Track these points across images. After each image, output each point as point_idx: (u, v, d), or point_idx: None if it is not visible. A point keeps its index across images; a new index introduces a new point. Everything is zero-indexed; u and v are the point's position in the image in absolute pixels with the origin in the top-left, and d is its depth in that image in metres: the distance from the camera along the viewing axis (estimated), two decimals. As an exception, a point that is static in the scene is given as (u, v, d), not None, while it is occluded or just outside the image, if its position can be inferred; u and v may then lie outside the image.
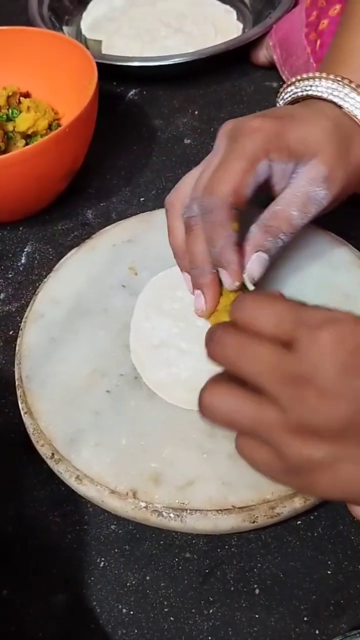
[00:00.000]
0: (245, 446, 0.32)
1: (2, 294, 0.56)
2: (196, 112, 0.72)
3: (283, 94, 0.50)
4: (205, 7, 0.85)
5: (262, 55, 0.74)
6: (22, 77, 0.67)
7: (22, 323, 0.49)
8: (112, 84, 0.75)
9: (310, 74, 0.47)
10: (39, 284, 0.53)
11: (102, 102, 0.60)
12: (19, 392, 0.46)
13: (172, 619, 0.39)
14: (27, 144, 0.63)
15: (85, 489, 0.41)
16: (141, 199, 0.63)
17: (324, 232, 0.52)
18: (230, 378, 0.32)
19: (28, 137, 0.64)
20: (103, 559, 0.41)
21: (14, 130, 0.63)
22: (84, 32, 0.84)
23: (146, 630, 0.38)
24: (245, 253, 0.42)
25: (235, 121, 0.44)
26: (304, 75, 0.47)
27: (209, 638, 0.38)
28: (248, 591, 0.39)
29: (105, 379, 0.45)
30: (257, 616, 0.39)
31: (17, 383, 0.46)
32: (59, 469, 0.42)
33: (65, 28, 0.83)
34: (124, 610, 0.39)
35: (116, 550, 0.41)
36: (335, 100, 0.45)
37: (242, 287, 0.43)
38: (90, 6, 0.87)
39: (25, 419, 0.44)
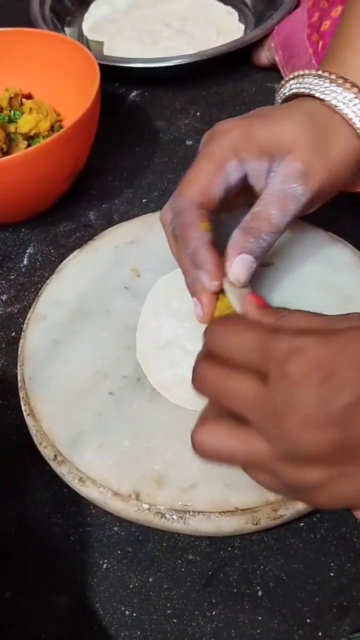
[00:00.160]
0: (247, 469, 0.34)
1: (4, 295, 0.56)
2: (198, 114, 0.72)
3: (278, 94, 0.50)
4: (207, 9, 0.85)
5: (264, 56, 0.74)
6: (24, 79, 0.67)
7: (25, 325, 0.49)
8: (114, 85, 0.75)
9: (299, 72, 0.46)
10: (41, 286, 0.53)
11: (103, 104, 0.60)
12: (21, 394, 0.46)
13: (175, 620, 0.39)
14: (29, 145, 0.63)
15: (88, 491, 0.41)
16: (143, 201, 0.63)
17: (325, 233, 0.52)
18: (219, 410, 0.33)
19: (30, 139, 0.64)
20: (106, 560, 0.41)
21: (16, 131, 0.64)
22: (85, 33, 0.84)
23: (149, 632, 0.38)
24: (228, 256, 0.42)
25: (214, 126, 0.45)
26: (295, 74, 0.47)
27: (212, 640, 0.38)
28: (251, 593, 0.39)
29: (107, 381, 0.45)
30: (260, 618, 0.39)
31: (19, 384, 0.46)
32: (62, 470, 0.42)
33: (66, 29, 0.83)
34: (127, 612, 0.39)
35: (119, 552, 0.41)
36: (317, 94, 0.44)
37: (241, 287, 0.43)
38: (92, 7, 0.87)
39: (28, 420, 0.44)
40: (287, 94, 0.47)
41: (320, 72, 0.45)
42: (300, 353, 0.30)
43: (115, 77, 0.74)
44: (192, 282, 0.43)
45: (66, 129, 0.54)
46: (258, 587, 0.40)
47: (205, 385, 0.33)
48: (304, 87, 0.45)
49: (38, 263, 0.59)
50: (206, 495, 0.39)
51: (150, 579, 0.40)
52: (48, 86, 0.67)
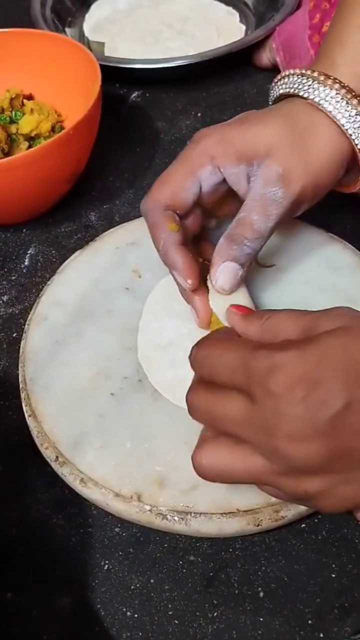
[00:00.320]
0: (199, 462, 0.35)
1: (5, 296, 0.56)
2: (199, 115, 0.72)
3: (270, 97, 0.50)
4: (207, 10, 0.85)
5: (265, 57, 0.74)
6: (25, 79, 0.67)
7: (26, 325, 0.50)
8: (115, 86, 0.75)
9: (285, 72, 0.46)
10: (43, 287, 0.53)
11: (104, 104, 0.60)
12: (23, 395, 0.46)
13: (176, 622, 0.39)
14: (30, 146, 0.63)
15: (90, 492, 0.41)
16: (144, 201, 0.63)
17: (326, 234, 0.52)
18: (217, 432, 0.34)
19: (31, 140, 0.64)
20: (107, 561, 0.41)
21: (17, 132, 0.64)
22: (86, 34, 0.84)
23: (150, 633, 0.38)
24: (213, 264, 0.42)
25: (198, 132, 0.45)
26: (282, 75, 0.46)
27: (213, 641, 0.38)
28: (252, 594, 0.39)
29: (109, 382, 0.45)
30: (261, 619, 0.39)
31: (21, 386, 0.46)
32: (63, 471, 0.42)
33: (67, 30, 0.83)
34: (128, 613, 0.39)
35: (120, 553, 0.41)
36: (301, 93, 0.43)
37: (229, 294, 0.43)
38: (92, 8, 0.87)
39: (29, 421, 0.44)
40: (275, 95, 0.47)
41: (303, 71, 0.44)
42: (279, 370, 0.30)
43: (116, 77, 0.74)
44: (181, 290, 0.44)
45: (68, 130, 0.54)
46: (259, 588, 0.40)
47: (198, 412, 0.35)
48: (289, 87, 0.45)
49: (39, 264, 0.59)
50: (208, 497, 0.39)
51: (152, 580, 0.40)
52: (49, 87, 0.67)
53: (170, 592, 0.40)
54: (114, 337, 0.47)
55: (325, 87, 0.43)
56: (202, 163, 0.43)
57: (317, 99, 0.43)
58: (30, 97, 0.68)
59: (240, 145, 0.42)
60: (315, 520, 0.42)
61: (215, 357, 0.34)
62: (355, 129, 0.42)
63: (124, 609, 0.39)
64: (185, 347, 0.45)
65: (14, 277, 0.58)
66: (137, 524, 0.41)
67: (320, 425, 0.30)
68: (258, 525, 0.39)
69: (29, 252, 0.60)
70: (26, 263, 0.59)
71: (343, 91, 0.42)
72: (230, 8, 0.85)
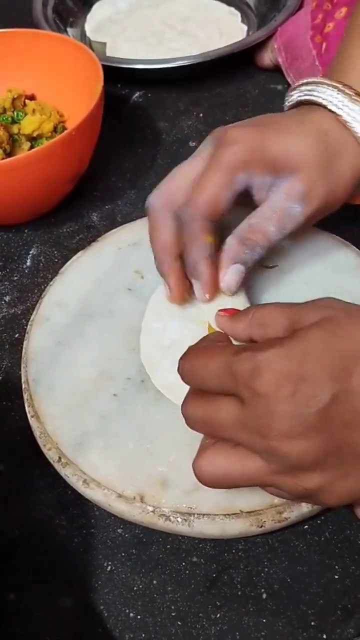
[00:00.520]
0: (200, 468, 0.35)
1: (7, 296, 0.56)
2: (201, 115, 0.72)
3: (288, 99, 0.50)
4: (209, 10, 0.85)
5: (267, 58, 0.74)
6: (27, 80, 0.67)
7: (28, 326, 0.49)
8: (117, 86, 0.75)
9: (313, 79, 0.46)
10: (45, 287, 0.53)
11: (106, 105, 0.60)
12: (25, 396, 0.46)
13: (179, 623, 0.39)
14: (32, 146, 0.63)
15: (92, 493, 0.41)
16: (146, 202, 0.63)
17: (330, 236, 0.52)
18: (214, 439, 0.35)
19: (33, 140, 0.64)
20: (110, 562, 0.41)
21: (19, 132, 0.64)
22: (88, 34, 0.84)
23: (153, 634, 0.38)
24: (222, 264, 0.43)
25: (221, 129, 0.44)
26: (308, 80, 0.46)
27: (216, 642, 0.38)
28: (255, 595, 0.39)
29: (111, 383, 0.45)
30: (264, 621, 0.39)
31: (23, 386, 0.46)
32: (66, 472, 0.42)
33: (69, 30, 0.83)
34: (131, 615, 0.39)
35: (123, 554, 0.41)
36: (331, 107, 0.44)
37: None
38: (94, 8, 0.87)
39: (32, 422, 0.44)
40: (298, 99, 0.47)
41: (335, 84, 0.44)
42: (264, 370, 0.31)
43: (118, 78, 0.74)
44: (161, 264, 0.45)
45: (70, 130, 0.54)
46: (262, 590, 0.40)
47: (194, 422, 0.35)
48: (316, 96, 0.45)
49: (41, 264, 0.59)
50: (211, 498, 0.39)
51: (155, 581, 0.40)
52: (51, 87, 0.67)
53: (173, 594, 0.40)
54: (116, 337, 0.47)
55: (356, 105, 0.43)
56: (238, 170, 0.42)
57: (348, 118, 0.43)
58: (32, 98, 0.68)
59: (274, 155, 0.42)
60: (318, 522, 0.42)
61: (200, 366, 0.34)
62: None
63: (127, 610, 0.39)
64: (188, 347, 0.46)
65: (16, 278, 0.58)
66: (140, 525, 0.41)
67: (311, 420, 0.30)
68: (261, 526, 0.39)
69: (31, 252, 0.60)
70: (28, 263, 0.59)
71: None
72: (232, 8, 0.85)
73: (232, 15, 0.84)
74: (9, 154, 0.62)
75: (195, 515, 0.39)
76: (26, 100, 0.66)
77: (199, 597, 0.40)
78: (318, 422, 0.30)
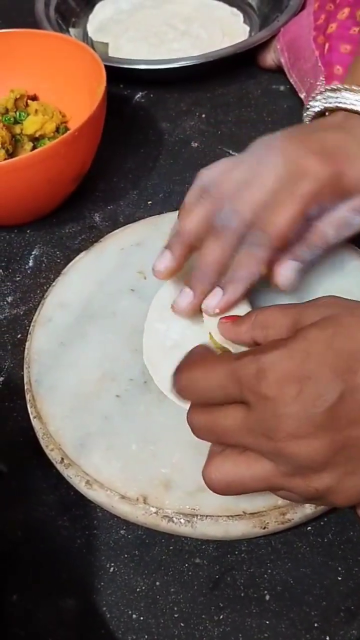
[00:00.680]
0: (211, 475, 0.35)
1: (10, 297, 0.56)
2: (203, 115, 0.72)
3: (311, 107, 0.50)
4: (212, 10, 0.85)
5: (270, 58, 0.73)
6: (29, 80, 0.67)
7: (31, 327, 0.49)
8: (119, 86, 0.75)
9: (333, 85, 0.47)
10: (47, 287, 0.53)
11: (108, 105, 0.60)
12: (28, 397, 0.46)
13: (182, 624, 0.39)
14: (34, 147, 0.63)
15: (95, 494, 0.40)
16: (148, 202, 0.63)
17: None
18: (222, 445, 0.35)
19: (35, 140, 0.64)
20: (112, 564, 0.41)
21: (21, 133, 0.64)
22: (90, 34, 0.84)
23: (156, 636, 0.38)
24: (282, 261, 0.44)
25: (288, 149, 0.44)
26: (328, 87, 0.48)
27: (219, 644, 0.38)
28: (258, 597, 0.39)
29: (114, 384, 0.45)
30: (267, 622, 0.38)
31: (26, 387, 0.46)
32: (69, 473, 0.42)
33: (71, 30, 0.83)
34: (134, 616, 0.39)
35: (126, 556, 0.41)
36: None
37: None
38: (96, 8, 0.87)
39: (35, 423, 0.44)
40: (324, 107, 0.48)
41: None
42: (268, 372, 0.31)
43: (121, 78, 0.74)
44: (202, 278, 0.44)
45: (73, 130, 0.54)
46: (265, 591, 0.40)
47: (200, 431, 0.35)
48: (351, 104, 0.47)
49: (43, 265, 0.59)
50: (214, 499, 0.39)
51: (157, 583, 0.40)
52: (53, 87, 0.67)
53: (176, 595, 0.40)
54: (119, 338, 0.47)
55: None
56: (312, 204, 0.43)
57: None
58: (34, 98, 0.68)
59: (348, 186, 0.44)
60: (322, 523, 0.42)
61: (200, 380, 0.34)
62: None
63: (130, 612, 0.39)
64: (191, 348, 0.45)
65: (18, 278, 0.58)
66: (143, 526, 0.41)
67: (318, 420, 0.30)
68: (264, 528, 0.39)
69: (33, 253, 0.60)
70: (30, 264, 0.59)
71: None
72: (234, 9, 0.85)
73: (235, 16, 0.84)
74: (11, 155, 0.62)
75: (198, 517, 0.39)
76: (28, 101, 0.66)
77: (201, 598, 0.40)
78: (325, 421, 0.30)
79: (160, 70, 0.72)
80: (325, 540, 0.41)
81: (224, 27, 0.81)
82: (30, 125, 0.63)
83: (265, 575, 0.40)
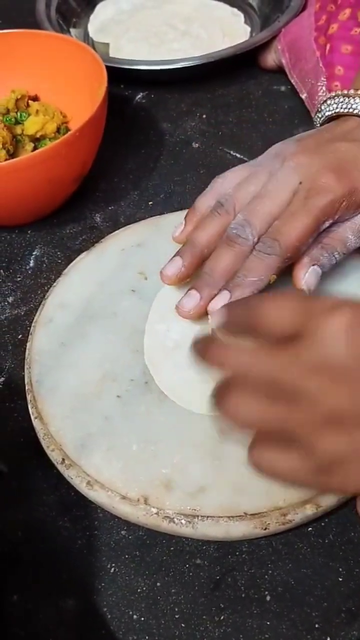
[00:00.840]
0: (263, 456, 0.32)
1: (10, 297, 0.56)
2: (204, 116, 0.72)
3: (321, 112, 0.51)
4: (212, 11, 0.85)
5: (271, 58, 0.73)
6: (30, 81, 0.67)
7: (32, 327, 0.50)
8: (120, 87, 0.75)
9: (340, 92, 0.48)
10: (48, 288, 0.53)
11: (109, 105, 0.59)
12: (29, 397, 0.46)
13: (183, 625, 0.39)
14: (35, 147, 0.63)
15: (96, 495, 0.40)
16: (149, 203, 0.63)
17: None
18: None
19: (36, 141, 0.64)
20: (113, 564, 0.41)
21: (22, 133, 0.63)
22: (91, 34, 0.84)
23: (157, 636, 0.38)
24: (302, 265, 0.45)
25: (304, 163, 0.45)
26: (340, 92, 0.49)
27: (220, 645, 0.38)
28: (259, 598, 0.39)
29: (115, 384, 0.45)
30: (268, 623, 0.38)
31: (27, 387, 0.46)
32: (70, 474, 0.42)
33: (72, 30, 0.83)
34: (135, 617, 0.39)
35: (126, 556, 0.41)
36: None
37: None
38: (97, 9, 0.87)
39: (35, 423, 0.44)
40: (334, 112, 0.49)
41: None
42: (341, 309, 0.30)
43: (121, 79, 0.74)
44: (208, 284, 0.45)
45: (74, 131, 0.54)
46: (266, 592, 0.40)
47: (239, 355, 0.32)
48: (354, 108, 0.48)
49: (44, 265, 0.59)
50: (215, 500, 0.39)
51: (158, 583, 0.40)
52: (54, 88, 0.67)
53: (177, 596, 0.40)
54: (120, 339, 0.47)
55: None
56: (327, 217, 0.44)
57: None
58: (35, 98, 0.68)
59: None
60: (322, 524, 0.42)
61: (271, 303, 0.32)
62: None
63: (130, 612, 0.39)
64: (192, 349, 0.46)
65: (19, 279, 0.58)
66: (144, 527, 0.41)
67: None
68: (265, 528, 0.39)
69: (34, 253, 0.60)
70: (31, 264, 0.59)
71: None
72: (235, 9, 0.85)
73: (235, 16, 0.84)
74: (12, 155, 0.62)
75: (199, 518, 0.39)
76: (29, 101, 0.66)
77: (202, 599, 0.40)
78: None
79: (161, 70, 0.72)
80: (326, 541, 0.41)
81: (225, 28, 0.81)
82: (31, 125, 0.63)
83: (266, 576, 0.40)
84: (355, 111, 0.48)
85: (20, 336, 0.53)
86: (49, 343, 0.48)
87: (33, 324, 0.50)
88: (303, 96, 0.66)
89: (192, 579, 0.40)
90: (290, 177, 0.45)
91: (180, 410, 0.43)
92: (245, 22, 0.83)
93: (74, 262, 0.53)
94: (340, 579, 0.40)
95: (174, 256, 0.47)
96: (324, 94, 0.51)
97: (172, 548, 0.41)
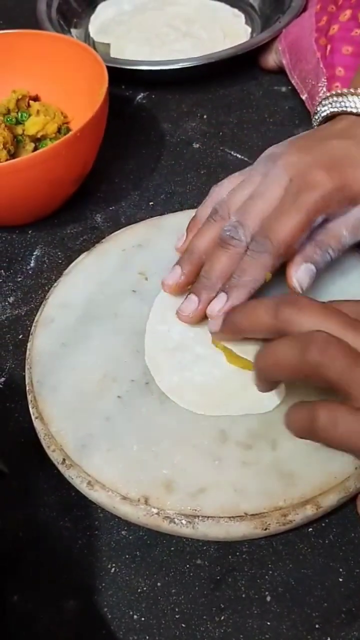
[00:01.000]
0: (330, 421, 0.34)
1: (11, 297, 0.56)
2: (205, 116, 0.72)
3: (319, 112, 0.51)
4: (213, 11, 0.85)
5: (271, 59, 0.73)
6: (31, 81, 0.67)
7: (32, 327, 0.50)
8: (121, 87, 0.75)
9: (339, 90, 0.48)
10: (49, 288, 0.53)
11: (110, 106, 0.60)
12: (29, 397, 0.46)
13: (183, 625, 0.39)
14: (36, 147, 0.63)
15: (97, 495, 0.41)
16: (150, 203, 0.63)
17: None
18: None
19: (37, 141, 0.64)
20: (114, 564, 0.41)
21: (23, 133, 0.64)
22: (92, 35, 0.84)
23: (157, 636, 0.38)
24: (295, 263, 0.44)
25: (294, 161, 0.45)
26: (334, 92, 0.49)
27: (220, 645, 0.38)
28: (259, 598, 0.39)
29: (116, 385, 0.45)
30: (268, 623, 0.38)
31: (27, 388, 0.46)
32: (70, 474, 0.42)
33: (73, 31, 0.83)
34: (135, 617, 0.39)
35: (127, 556, 0.41)
36: None
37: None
38: (98, 9, 0.87)
39: (36, 424, 0.44)
40: (330, 111, 0.49)
41: None
42: None
43: (122, 79, 0.74)
44: (205, 287, 0.45)
45: (75, 131, 0.54)
46: (267, 592, 0.40)
47: (335, 359, 0.34)
48: (348, 107, 0.48)
49: (45, 265, 0.59)
50: (215, 500, 0.39)
51: (159, 584, 0.40)
52: (55, 88, 0.67)
53: (177, 596, 0.40)
54: (120, 339, 0.47)
55: None
56: (318, 213, 0.44)
57: None
58: (36, 99, 0.68)
59: (356, 190, 0.44)
60: (323, 525, 0.42)
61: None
62: None
63: (131, 612, 0.39)
64: (193, 350, 0.46)
65: (19, 279, 0.58)
66: (144, 527, 0.41)
67: None
68: (266, 529, 0.39)
69: (34, 253, 0.60)
70: (32, 264, 0.59)
71: None
72: (236, 10, 0.85)
73: (236, 17, 0.84)
74: (13, 155, 0.62)
75: (200, 518, 0.39)
76: (30, 101, 0.66)
77: (203, 599, 0.40)
78: None
79: (162, 71, 0.72)
80: (327, 541, 0.41)
81: (226, 28, 0.81)
82: (32, 126, 0.63)
83: (267, 577, 0.40)
84: (349, 109, 0.48)
85: (20, 336, 0.53)
86: (50, 343, 0.48)
87: (34, 324, 0.50)
88: (304, 97, 0.66)
89: (192, 579, 0.40)
90: (280, 176, 0.45)
91: (181, 410, 0.43)
92: (246, 22, 0.84)
93: (74, 262, 0.53)
94: (341, 580, 0.40)
95: (174, 265, 0.48)
96: (324, 95, 0.51)
97: (172, 548, 0.41)
